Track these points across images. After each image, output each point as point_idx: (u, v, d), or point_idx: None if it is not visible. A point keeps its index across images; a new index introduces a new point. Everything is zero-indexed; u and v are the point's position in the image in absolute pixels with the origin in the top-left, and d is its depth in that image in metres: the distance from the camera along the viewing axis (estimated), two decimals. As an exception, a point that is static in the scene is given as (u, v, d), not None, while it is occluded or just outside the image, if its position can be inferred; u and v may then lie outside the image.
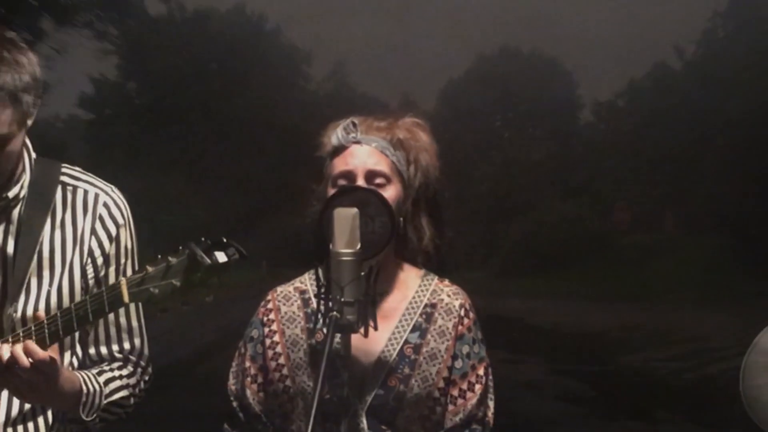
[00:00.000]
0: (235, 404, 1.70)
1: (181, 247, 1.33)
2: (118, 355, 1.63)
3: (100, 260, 1.59)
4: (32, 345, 1.39)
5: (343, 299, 1.38)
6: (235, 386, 1.71)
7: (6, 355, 1.37)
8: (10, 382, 1.40)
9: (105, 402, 1.55)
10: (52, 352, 1.41)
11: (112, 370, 1.62)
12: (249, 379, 1.69)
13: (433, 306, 1.67)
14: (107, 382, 1.57)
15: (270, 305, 1.71)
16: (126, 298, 1.36)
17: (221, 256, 1.32)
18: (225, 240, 1.33)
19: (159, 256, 1.35)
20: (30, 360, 1.37)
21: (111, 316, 1.59)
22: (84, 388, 1.50)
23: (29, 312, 1.49)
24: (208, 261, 1.30)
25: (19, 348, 1.38)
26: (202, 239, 1.33)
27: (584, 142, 25.57)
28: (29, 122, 1.50)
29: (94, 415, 1.54)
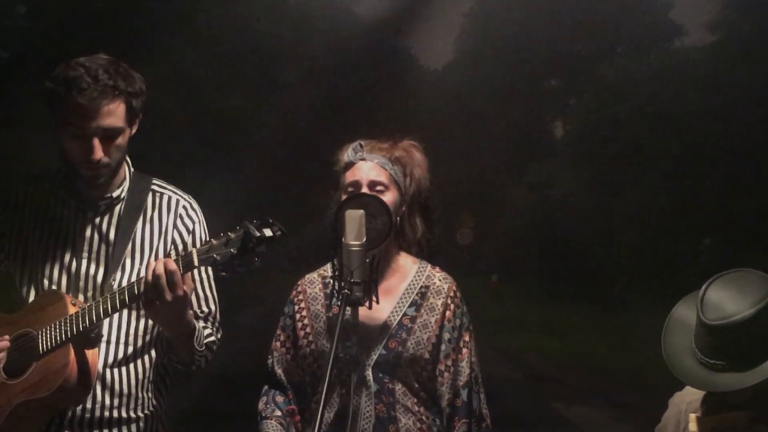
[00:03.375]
0: (269, 360, 2.19)
1: (238, 227, 1.79)
2: (200, 315, 2.11)
3: (180, 247, 2.07)
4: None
5: (352, 280, 1.83)
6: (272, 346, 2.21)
7: (161, 268, 1.81)
8: (155, 305, 1.84)
9: (204, 342, 2.03)
10: (188, 288, 1.85)
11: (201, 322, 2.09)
12: (278, 343, 2.19)
13: (427, 287, 2.14)
14: (203, 328, 2.06)
15: (299, 288, 2.21)
16: (196, 262, 1.83)
17: (268, 232, 1.79)
18: (271, 220, 1.80)
19: (221, 234, 1.82)
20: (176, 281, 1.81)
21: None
22: (195, 324, 1.98)
23: (124, 284, 1.96)
24: (258, 234, 1.77)
25: (171, 263, 1.82)
26: (254, 220, 1.79)
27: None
28: (134, 129, 2.00)
29: (203, 348, 2.01)
